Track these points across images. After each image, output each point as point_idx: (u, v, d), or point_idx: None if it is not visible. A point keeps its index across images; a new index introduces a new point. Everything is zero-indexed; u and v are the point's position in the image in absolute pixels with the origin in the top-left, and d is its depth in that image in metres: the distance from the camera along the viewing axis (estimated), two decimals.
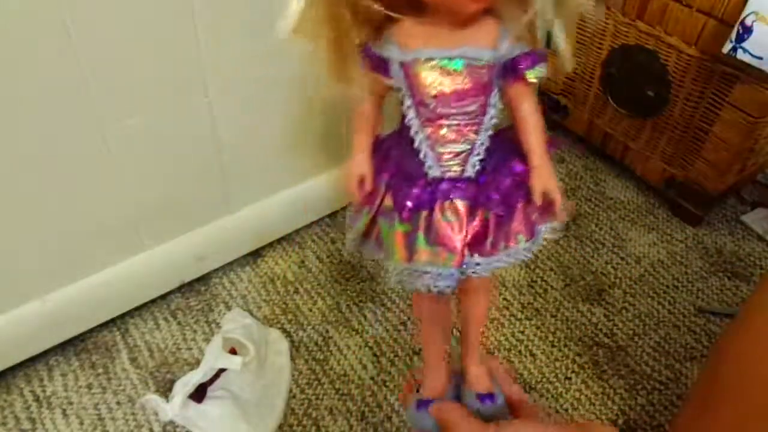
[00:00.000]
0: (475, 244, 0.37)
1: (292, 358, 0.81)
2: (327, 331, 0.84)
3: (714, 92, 0.88)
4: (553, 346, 0.84)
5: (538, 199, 0.36)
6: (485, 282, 0.41)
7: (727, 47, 0.79)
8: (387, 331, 0.85)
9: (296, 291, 0.89)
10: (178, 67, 0.67)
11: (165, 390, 0.77)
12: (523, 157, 0.37)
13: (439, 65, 0.36)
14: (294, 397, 0.77)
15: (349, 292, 0.89)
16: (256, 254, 0.93)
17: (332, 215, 0.99)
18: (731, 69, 0.84)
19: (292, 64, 0.77)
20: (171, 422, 0.72)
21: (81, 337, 0.82)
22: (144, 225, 0.77)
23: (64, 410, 0.75)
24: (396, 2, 0.35)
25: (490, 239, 0.37)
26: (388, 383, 0.79)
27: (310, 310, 0.87)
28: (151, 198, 0.76)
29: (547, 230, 0.39)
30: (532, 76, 0.36)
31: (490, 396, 0.42)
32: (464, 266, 0.37)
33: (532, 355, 0.83)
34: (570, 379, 0.80)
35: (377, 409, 0.77)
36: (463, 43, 0.35)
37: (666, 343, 0.85)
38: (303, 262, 0.93)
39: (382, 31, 0.36)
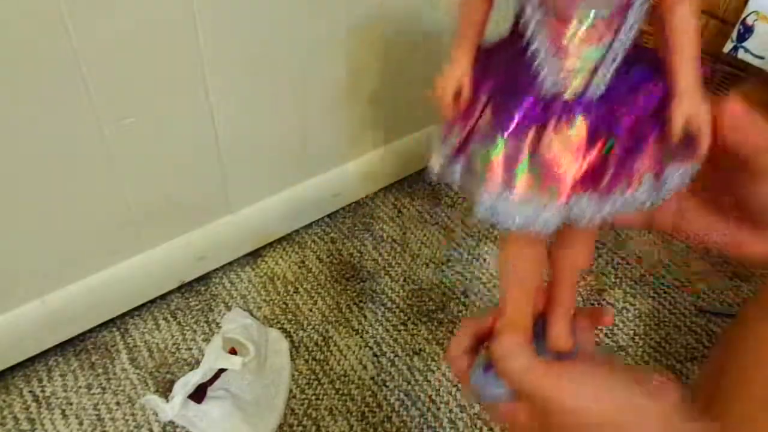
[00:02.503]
0: (589, 179, 0.30)
1: (292, 358, 0.81)
2: (327, 331, 0.84)
3: (715, 92, 0.88)
4: None
5: (676, 134, 0.28)
6: (588, 231, 0.33)
7: (728, 47, 0.79)
8: (387, 331, 0.84)
9: (296, 291, 0.89)
10: (178, 67, 0.67)
11: (165, 390, 0.77)
12: (665, 80, 0.29)
13: None
14: (294, 397, 0.77)
15: (349, 292, 0.89)
16: (256, 254, 0.93)
17: (332, 215, 0.99)
18: (732, 69, 0.84)
19: (292, 64, 0.77)
20: (171, 422, 0.72)
21: (80, 338, 0.81)
22: (144, 225, 0.77)
23: (63, 411, 0.75)
24: None
25: (608, 175, 0.29)
26: (388, 383, 0.79)
27: (310, 310, 0.87)
28: (150, 198, 0.76)
29: (679, 174, 0.31)
30: None
31: (569, 356, 0.36)
32: (571, 205, 0.30)
33: None
34: None
35: (377, 409, 0.77)
36: None
37: (667, 343, 0.85)
38: (303, 262, 0.93)
39: None
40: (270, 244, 0.94)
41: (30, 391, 0.77)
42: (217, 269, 0.90)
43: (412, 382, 0.79)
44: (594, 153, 0.29)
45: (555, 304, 0.36)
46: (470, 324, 0.38)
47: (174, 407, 0.67)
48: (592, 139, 0.29)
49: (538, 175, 0.29)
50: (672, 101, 0.29)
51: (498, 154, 0.30)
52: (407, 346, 0.83)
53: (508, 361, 0.33)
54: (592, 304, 0.89)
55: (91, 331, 0.82)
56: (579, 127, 0.29)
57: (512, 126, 0.29)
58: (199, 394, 0.70)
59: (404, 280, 0.91)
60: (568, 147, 0.29)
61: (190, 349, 0.82)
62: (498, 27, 0.32)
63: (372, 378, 0.80)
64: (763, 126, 0.30)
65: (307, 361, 0.81)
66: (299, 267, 0.92)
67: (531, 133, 0.29)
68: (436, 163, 0.33)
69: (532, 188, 0.29)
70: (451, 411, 0.77)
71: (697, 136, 0.29)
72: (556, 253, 0.35)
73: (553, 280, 0.37)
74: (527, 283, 0.35)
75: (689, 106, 0.29)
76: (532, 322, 0.36)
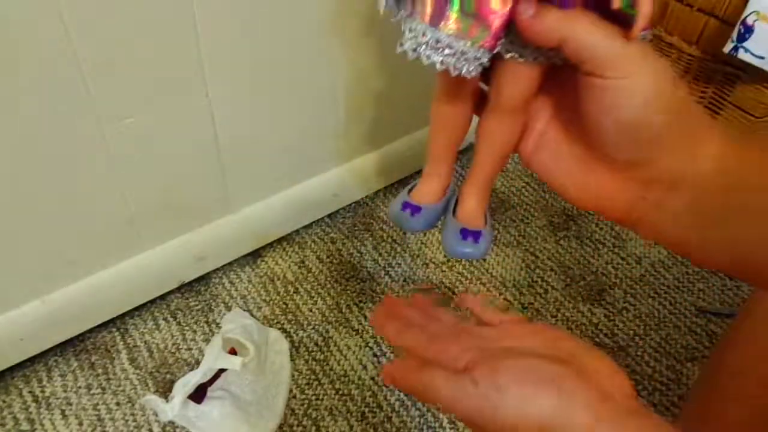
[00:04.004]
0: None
1: (292, 358, 0.81)
2: (327, 331, 0.84)
3: (715, 92, 0.88)
4: None
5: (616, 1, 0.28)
6: (517, 102, 0.34)
7: (728, 47, 0.79)
8: None
9: (296, 291, 0.89)
10: (178, 67, 0.67)
11: (165, 390, 0.77)
12: None
13: None
14: (294, 397, 0.77)
15: (349, 292, 0.89)
16: (256, 254, 0.93)
17: (332, 215, 0.99)
18: (732, 69, 0.84)
19: (292, 64, 0.77)
20: (171, 423, 0.72)
21: (80, 338, 0.81)
22: (144, 225, 0.77)
23: (63, 411, 0.75)
24: None
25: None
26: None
27: (310, 310, 0.87)
28: (150, 198, 0.76)
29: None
30: None
31: (475, 234, 0.37)
32: (497, 49, 0.31)
33: None
34: None
35: (377, 409, 0.77)
36: None
37: (667, 343, 0.85)
38: (303, 262, 0.93)
39: None
40: (270, 244, 0.94)
41: (30, 392, 0.77)
42: (217, 269, 0.90)
43: None
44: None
45: (469, 180, 0.38)
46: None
47: (174, 407, 0.67)
48: None
49: (466, 17, 0.29)
50: None
51: None
52: None
53: (434, 393, 0.32)
54: (593, 305, 0.89)
55: (90, 331, 0.82)
56: None
57: None
58: (199, 395, 0.70)
59: (404, 280, 0.91)
60: None
61: (190, 349, 0.82)
62: None
63: (372, 378, 0.80)
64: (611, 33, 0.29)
65: (307, 361, 0.81)
66: (299, 267, 0.92)
67: None
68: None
69: (458, 29, 0.30)
70: None
71: (638, 5, 0.28)
72: (479, 130, 0.37)
73: (474, 158, 0.38)
74: (449, 139, 0.37)
75: None
76: (448, 188, 0.39)
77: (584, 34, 0.29)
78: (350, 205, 1.00)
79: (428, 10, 0.30)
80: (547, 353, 0.32)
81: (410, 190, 0.39)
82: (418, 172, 1.04)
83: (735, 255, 0.32)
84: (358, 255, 0.94)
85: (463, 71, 0.30)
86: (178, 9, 0.63)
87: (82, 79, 0.61)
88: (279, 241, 0.95)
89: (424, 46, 0.30)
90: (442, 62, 0.30)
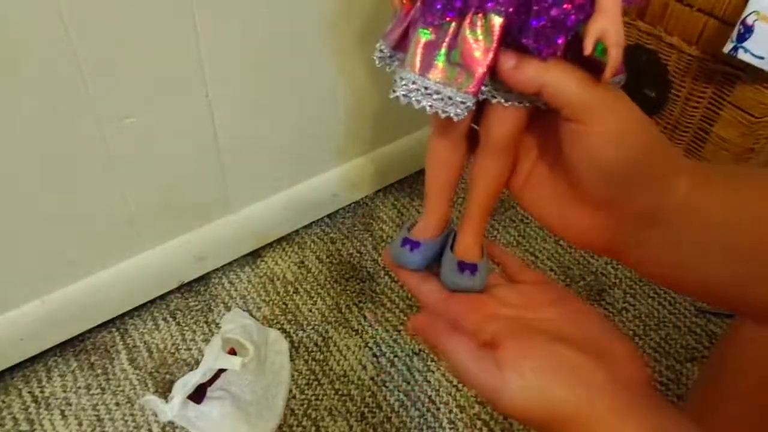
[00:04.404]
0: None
1: (292, 358, 0.81)
2: (327, 331, 0.84)
3: (715, 92, 0.88)
4: None
5: (588, 46, 0.30)
6: (505, 142, 0.36)
7: (728, 47, 0.79)
8: (387, 331, 0.84)
9: (296, 291, 0.89)
10: (178, 66, 0.67)
11: (164, 390, 0.77)
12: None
13: None
14: (294, 397, 0.77)
15: (349, 292, 0.89)
16: (255, 254, 0.93)
17: (332, 215, 0.99)
18: (732, 69, 0.84)
19: (292, 64, 0.77)
20: (170, 423, 0.72)
21: (80, 338, 0.81)
22: (144, 225, 0.77)
23: (62, 411, 0.75)
24: None
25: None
26: (388, 383, 0.79)
27: (310, 310, 0.87)
28: (150, 198, 0.76)
29: None
30: None
31: (471, 267, 0.39)
32: (481, 95, 0.34)
33: None
34: None
35: (377, 409, 0.77)
36: None
37: (666, 343, 0.85)
38: (303, 262, 0.93)
39: None
40: (270, 244, 0.94)
41: (29, 392, 0.77)
42: (216, 269, 0.90)
43: (412, 383, 0.79)
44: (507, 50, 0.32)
45: (466, 217, 0.40)
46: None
47: (173, 407, 0.67)
48: (505, 34, 0.31)
49: (453, 66, 0.32)
50: (592, 16, 0.30)
51: (422, 40, 0.33)
52: (407, 346, 0.83)
53: (455, 371, 0.34)
54: (593, 304, 0.89)
55: (90, 331, 0.82)
56: (495, 22, 0.31)
57: (432, 16, 0.32)
58: (198, 395, 0.70)
59: None
60: (482, 41, 0.31)
61: (190, 349, 0.82)
62: None
63: (372, 378, 0.80)
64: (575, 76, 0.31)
65: (306, 361, 0.81)
66: (299, 267, 0.92)
67: (452, 26, 0.32)
68: (378, 52, 0.36)
69: (444, 77, 0.32)
70: (451, 411, 0.77)
71: (605, 57, 0.30)
72: (473, 169, 0.39)
73: (468, 196, 0.40)
74: (445, 178, 0.39)
75: (606, 23, 0.30)
76: (447, 227, 0.41)
77: (560, 82, 0.31)
78: (350, 205, 1.00)
79: (417, 61, 0.33)
80: (568, 333, 0.34)
81: (409, 228, 0.41)
82: (418, 173, 1.05)
83: (709, 289, 0.33)
84: (358, 255, 0.94)
85: (451, 114, 0.33)
86: (178, 9, 0.63)
87: (82, 79, 0.61)
88: (279, 241, 0.95)
89: (414, 93, 0.33)
90: (431, 106, 0.33)
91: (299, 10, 0.72)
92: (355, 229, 0.98)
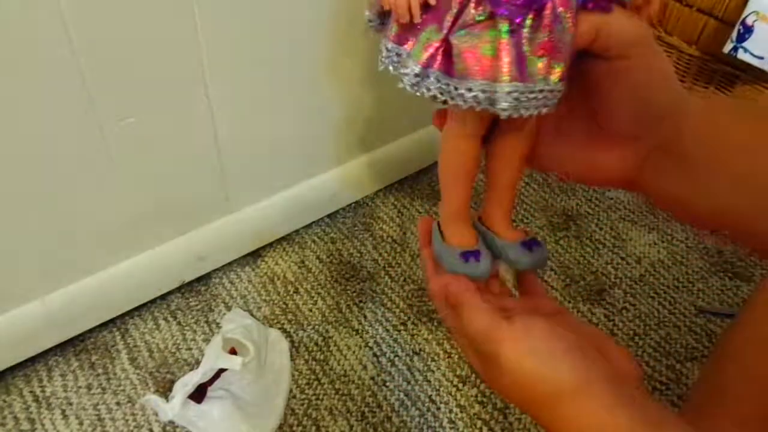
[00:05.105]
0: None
1: (292, 358, 0.81)
2: (327, 331, 0.84)
3: (715, 92, 0.88)
4: None
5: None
6: (531, 120, 0.37)
7: (727, 47, 0.79)
8: (387, 331, 0.85)
9: (296, 291, 0.89)
10: (178, 67, 0.67)
11: (165, 390, 0.77)
12: None
13: None
14: (294, 397, 0.77)
15: (349, 292, 0.89)
16: (256, 254, 0.93)
17: (332, 215, 0.99)
18: (732, 69, 0.84)
19: (292, 64, 0.77)
20: (171, 422, 0.72)
21: (81, 338, 0.82)
22: (144, 225, 0.77)
23: (63, 411, 0.75)
24: None
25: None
26: (388, 383, 0.79)
27: (310, 310, 0.87)
28: (150, 198, 0.76)
29: None
30: None
31: (535, 241, 0.39)
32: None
33: None
34: None
35: (377, 409, 0.77)
36: None
37: (667, 343, 0.85)
38: (303, 262, 0.93)
39: None
40: (270, 244, 0.94)
41: (30, 391, 0.77)
42: (217, 269, 0.90)
43: (412, 382, 0.79)
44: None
45: (494, 203, 0.41)
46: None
47: (174, 407, 0.67)
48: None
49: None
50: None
51: (504, 42, 0.32)
52: (407, 346, 0.83)
53: (468, 324, 0.35)
54: (593, 304, 0.89)
55: (91, 331, 0.82)
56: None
57: (516, 14, 0.31)
58: (199, 394, 0.71)
59: (404, 280, 0.91)
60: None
61: (190, 349, 0.82)
62: None
63: (372, 378, 0.80)
64: (636, 21, 0.34)
65: (307, 361, 0.81)
66: (299, 267, 0.92)
67: (529, 20, 0.31)
68: (409, 77, 0.37)
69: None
70: (451, 411, 0.77)
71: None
72: (495, 150, 0.39)
73: (491, 180, 0.41)
74: (463, 175, 0.39)
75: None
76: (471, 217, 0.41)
77: (619, 20, 0.33)
78: (350, 205, 1.00)
79: (508, 66, 0.32)
80: (575, 331, 0.35)
81: (443, 237, 0.40)
82: (418, 173, 1.05)
83: (722, 218, 0.36)
84: (358, 255, 0.94)
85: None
86: (178, 9, 0.63)
87: (82, 79, 0.61)
88: (279, 241, 0.95)
89: (521, 101, 0.32)
90: (535, 107, 0.33)
91: (299, 9, 0.72)
92: (356, 229, 0.98)
